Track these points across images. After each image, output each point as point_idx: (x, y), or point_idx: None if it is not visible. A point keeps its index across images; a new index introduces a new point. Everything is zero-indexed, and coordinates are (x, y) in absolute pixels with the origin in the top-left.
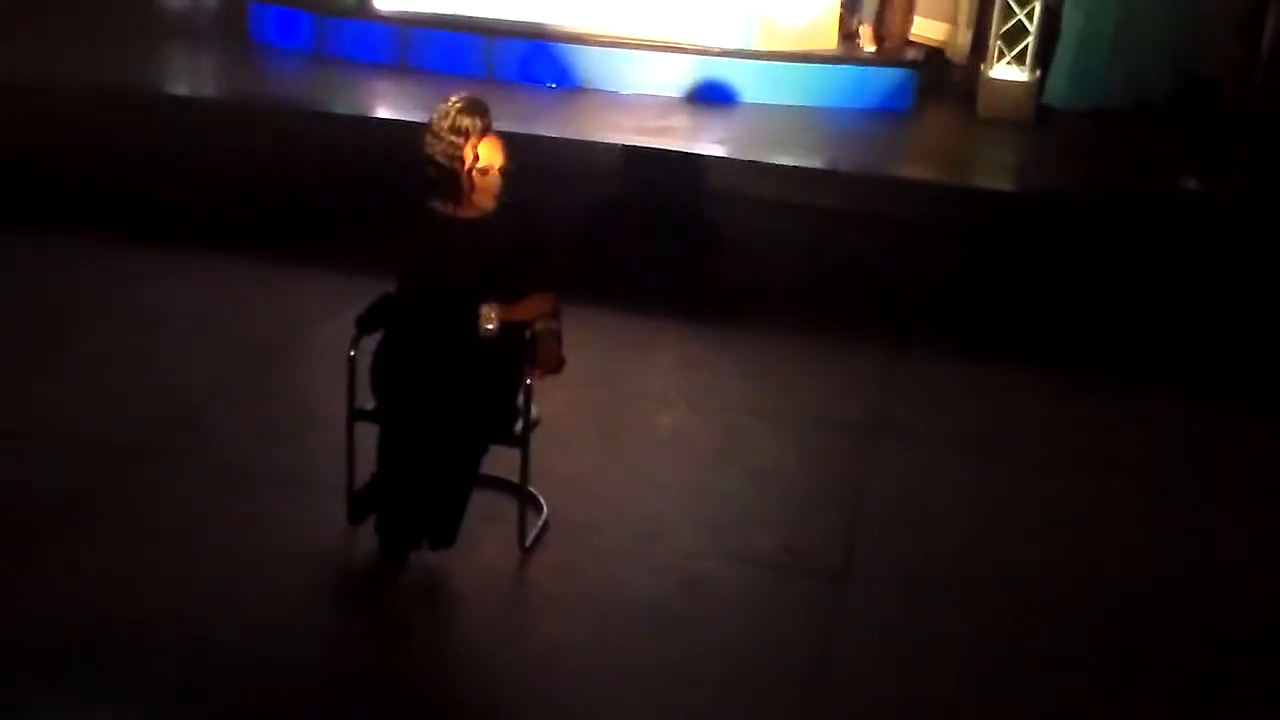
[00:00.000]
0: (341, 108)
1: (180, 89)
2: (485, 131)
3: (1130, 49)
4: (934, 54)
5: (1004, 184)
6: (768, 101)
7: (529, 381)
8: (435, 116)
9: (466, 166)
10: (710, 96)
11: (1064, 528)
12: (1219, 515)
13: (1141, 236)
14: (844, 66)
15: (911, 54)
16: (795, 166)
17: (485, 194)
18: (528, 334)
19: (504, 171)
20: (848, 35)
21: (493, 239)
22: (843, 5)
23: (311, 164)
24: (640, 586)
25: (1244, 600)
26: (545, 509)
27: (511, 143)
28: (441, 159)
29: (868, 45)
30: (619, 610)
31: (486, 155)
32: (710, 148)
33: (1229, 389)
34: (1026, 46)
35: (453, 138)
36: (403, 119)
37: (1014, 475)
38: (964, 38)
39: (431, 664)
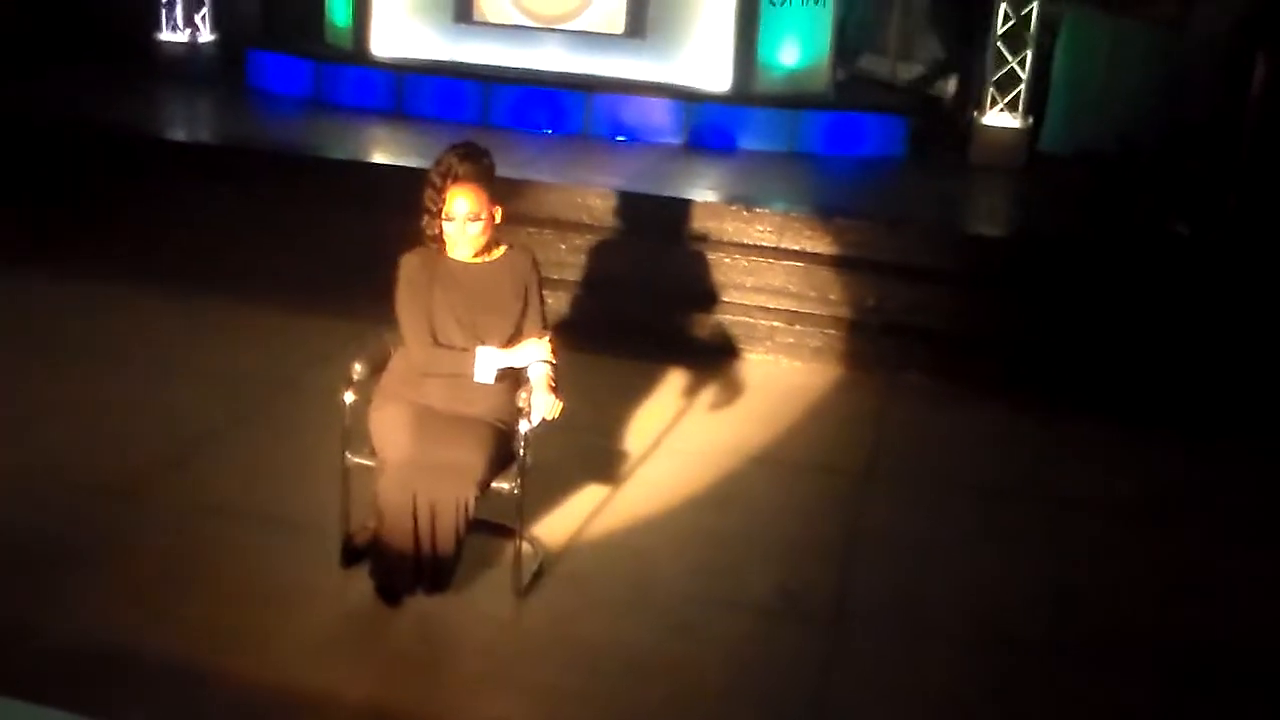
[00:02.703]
0: (339, 153)
1: (178, 134)
2: (456, 180)
3: (1119, 95)
4: (927, 100)
5: (997, 229)
6: (762, 148)
7: (525, 426)
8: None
9: (435, 214)
10: (705, 143)
11: (1062, 570)
12: (1218, 554)
13: (1132, 281)
14: (837, 113)
15: (904, 101)
16: (788, 212)
17: (454, 243)
18: (524, 378)
19: (478, 219)
20: (840, 82)
21: (489, 283)
22: (834, 52)
23: (308, 208)
24: (634, 632)
25: (1247, 641)
26: (540, 554)
27: (507, 189)
28: (427, 204)
29: None
30: (613, 656)
31: (450, 205)
32: (704, 193)
33: (1220, 428)
34: (1019, 94)
35: (435, 182)
36: (399, 164)
37: (1011, 518)
38: (953, 85)
39: (426, 709)
